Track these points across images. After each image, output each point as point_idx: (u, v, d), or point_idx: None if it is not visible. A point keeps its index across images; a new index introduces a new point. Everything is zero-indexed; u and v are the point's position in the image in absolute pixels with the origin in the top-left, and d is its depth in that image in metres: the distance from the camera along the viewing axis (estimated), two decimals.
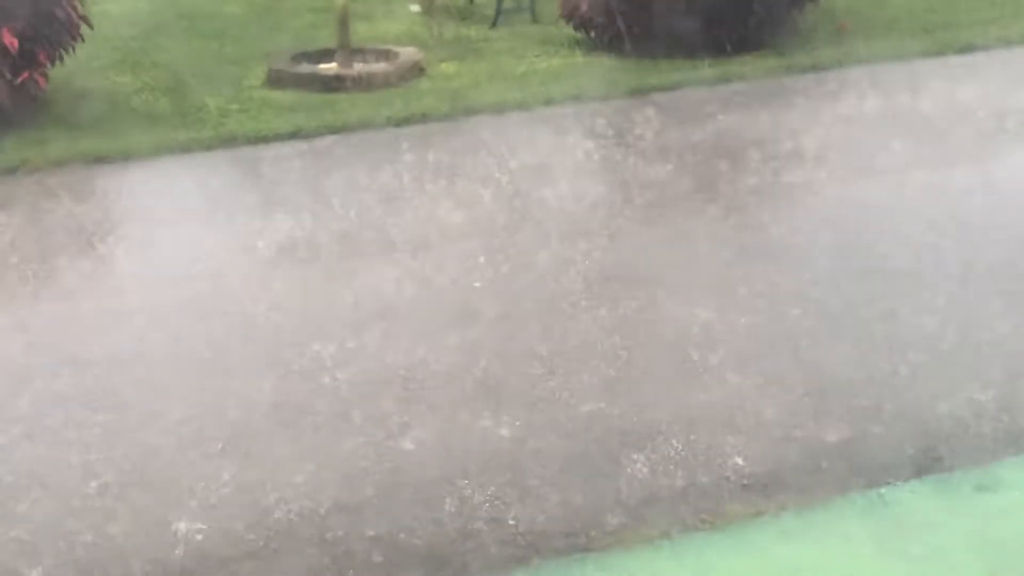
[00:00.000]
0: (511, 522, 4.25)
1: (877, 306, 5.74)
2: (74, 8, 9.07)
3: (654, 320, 5.76)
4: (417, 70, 10.31)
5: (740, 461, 4.54)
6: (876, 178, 7.47)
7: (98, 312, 6.08)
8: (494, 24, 11.82)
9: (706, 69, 9.88)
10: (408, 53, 10.54)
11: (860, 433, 4.72)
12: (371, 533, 4.22)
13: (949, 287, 5.91)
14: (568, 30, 11.15)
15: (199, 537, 4.22)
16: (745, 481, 4.44)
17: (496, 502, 4.35)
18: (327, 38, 10.58)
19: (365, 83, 9.95)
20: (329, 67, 10.22)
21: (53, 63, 9.11)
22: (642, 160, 8.11)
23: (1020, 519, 4.34)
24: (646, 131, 8.74)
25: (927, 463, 4.53)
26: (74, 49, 9.27)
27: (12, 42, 8.43)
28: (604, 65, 10.25)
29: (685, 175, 7.78)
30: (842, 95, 9.39)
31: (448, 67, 10.51)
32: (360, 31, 10.94)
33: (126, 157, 8.38)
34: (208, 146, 8.59)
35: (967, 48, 10.26)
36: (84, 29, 9.21)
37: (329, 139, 8.71)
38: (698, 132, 8.61)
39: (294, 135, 8.75)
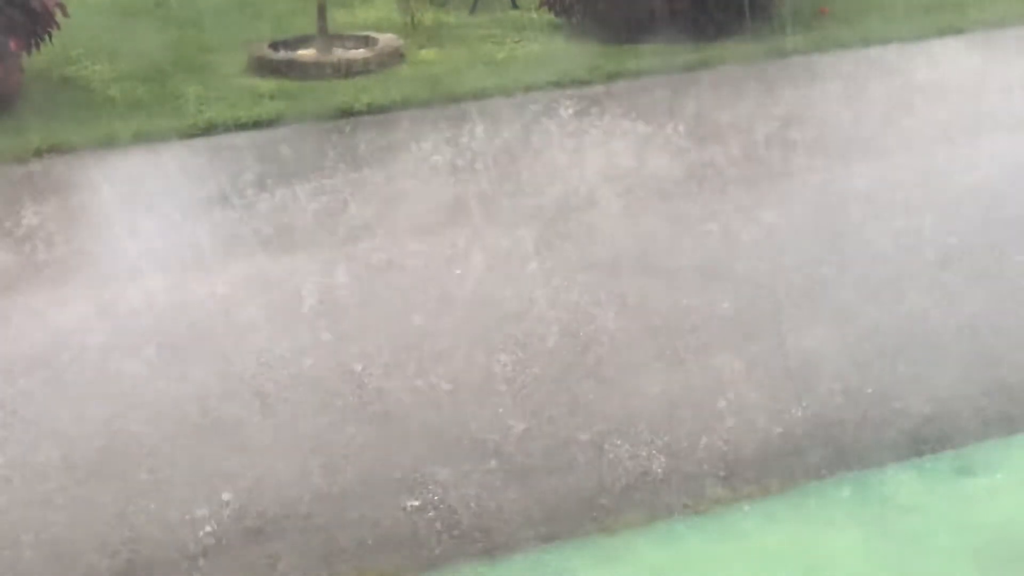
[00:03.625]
0: None
1: None
2: None
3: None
4: (396, 56, 10.27)
5: None
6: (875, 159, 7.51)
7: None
8: (473, 10, 11.78)
9: (685, 54, 9.86)
10: (387, 39, 10.49)
11: None
12: None
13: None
14: (548, 16, 11.11)
15: None
16: None
17: None
18: (306, 25, 10.52)
19: (344, 70, 9.90)
20: (308, 54, 10.17)
21: (30, 53, 9.04)
22: (627, 145, 8.12)
23: (1000, 502, 4.37)
24: (626, 117, 8.74)
25: None
26: (51, 38, 9.19)
27: None
28: (584, 51, 10.22)
29: (657, 157, 7.80)
30: (817, 80, 9.40)
31: (427, 53, 10.47)
32: (339, 18, 10.89)
33: (104, 146, 8.32)
34: (187, 134, 8.52)
35: (946, 31, 10.26)
36: (60, 17, 9.14)
37: (309, 126, 8.67)
38: (671, 116, 8.63)
39: (273, 122, 8.70)
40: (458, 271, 6.24)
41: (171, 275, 6.30)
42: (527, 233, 6.61)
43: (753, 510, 4.32)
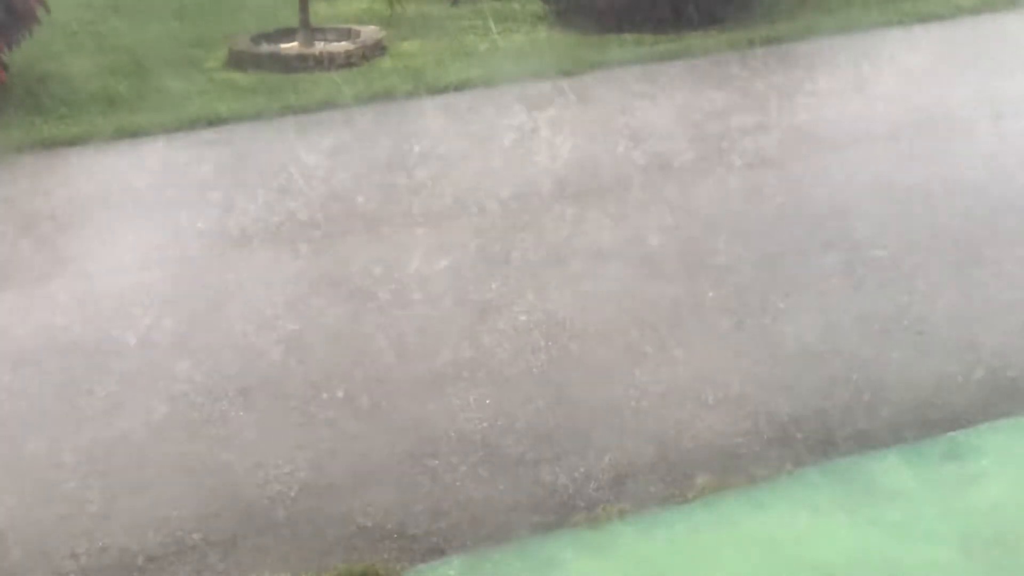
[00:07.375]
0: None
1: None
2: None
3: None
4: (379, 49, 10.26)
5: None
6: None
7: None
8: (455, 1, 11.76)
9: (668, 43, 9.87)
10: (369, 31, 10.48)
11: None
12: None
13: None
14: (531, 6, 11.12)
15: None
16: None
17: None
18: (288, 18, 10.50)
19: (327, 62, 9.89)
20: (290, 47, 10.16)
21: (11, 49, 9.01)
22: (614, 132, 8.13)
23: (987, 487, 4.38)
24: (610, 105, 8.76)
25: None
26: (32, 33, 9.16)
27: None
28: (566, 41, 10.23)
29: (639, 150, 7.81)
30: (797, 67, 9.43)
31: (410, 45, 10.46)
32: (320, 10, 10.88)
33: (86, 141, 8.31)
34: (169, 129, 8.51)
35: (928, 18, 10.31)
36: (41, 13, 9.11)
37: (292, 119, 8.65)
38: (654, 106, 8.65)
39: (256, 116, 8.68)
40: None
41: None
42: (527, 222, 6.64)
43: (739, 497, 4.32)
